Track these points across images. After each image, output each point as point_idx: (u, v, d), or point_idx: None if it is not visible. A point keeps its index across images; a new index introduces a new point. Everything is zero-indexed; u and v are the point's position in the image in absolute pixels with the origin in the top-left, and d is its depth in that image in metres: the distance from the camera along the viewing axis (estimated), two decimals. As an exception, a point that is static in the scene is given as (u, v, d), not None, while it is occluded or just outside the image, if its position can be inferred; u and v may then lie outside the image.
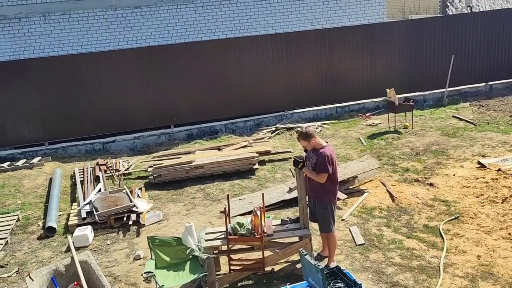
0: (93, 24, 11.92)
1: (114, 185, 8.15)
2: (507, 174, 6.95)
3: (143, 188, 7.94)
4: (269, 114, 11.35)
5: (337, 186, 5.19)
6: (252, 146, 9.27)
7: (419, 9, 23.62)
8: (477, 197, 6.53)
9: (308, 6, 13.47)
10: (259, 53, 11.09)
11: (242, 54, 11.01)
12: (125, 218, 6.70)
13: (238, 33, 12.96)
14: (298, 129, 10.49)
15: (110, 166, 8.83)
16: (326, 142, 5.20)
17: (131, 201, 6.88)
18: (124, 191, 7.32)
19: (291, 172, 8.16)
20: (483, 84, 12.51)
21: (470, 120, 10.17)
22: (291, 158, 8.64)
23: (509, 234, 5.48)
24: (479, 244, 5.42)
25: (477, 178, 7.09)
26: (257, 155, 8.52)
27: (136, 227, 6.59)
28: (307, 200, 5.17)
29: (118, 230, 6.58)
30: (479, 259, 5.17)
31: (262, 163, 8.74)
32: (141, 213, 6.75)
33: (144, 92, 10.64)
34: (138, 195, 7.46)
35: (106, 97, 10.46)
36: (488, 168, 7.34)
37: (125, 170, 8.79)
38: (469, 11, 16.02)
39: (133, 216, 6.70)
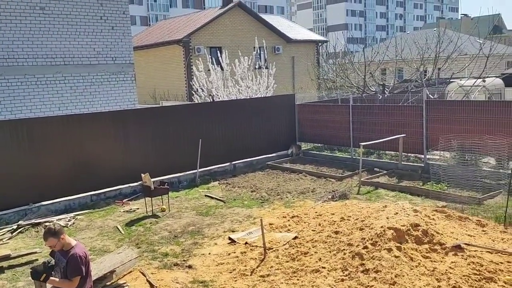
0: None
1: None
2: (252, 246, 7.71)
3: None
4: (8, 209, 9.81)
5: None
6: (-15, 251, 7.72)
7: (169, 96, 25.47)
8: (230, 272, 6.96)
9: (54, 90, 12.85)
10: (-6, 141, 9.69)
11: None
12: None
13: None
14: (47, 224, 9.41)
15: None
16: (76, 241, 4.72)
17: None
18: None
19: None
20: (228, 163, 14.02)
21: (220, 198, 11.10)
22: (37, 260, 7.59)
23: (259, 304, 5.95)
24: (235, 320, 5.68)
25: (229, 254, 7.61)
26: (-8, 262, 7.12)
27: None
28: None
29: None
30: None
31: (-1, 271, 7.33)
32: None
33: None
34: None
35: None
36: (238, 242, 8.02)
37: None
38: (211, 100, 18.14)
39: None
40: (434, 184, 10.80)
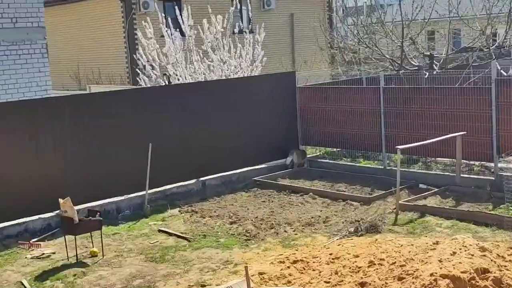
0: None
1: None
2: (234, 308, 7.69)
3: None
4: None
5: None
6: None
7: (100, 77, 25.38)
8: None
9: None
10: None
11: None
12: None
13: None
14: None
15: None
16: None
17: None
18: None
19: None
20: (194, 180, 14.00)
21: (182, 234, 11.07)
22: None
23: None
24: None
25: (197, 321, 7.59)
26: None
27: None
28: None
29: None
30: None
31: None
32: None
33: None
34: None
35: None
36: (210, 303, 8.00)
37: None
38: (167, 82, 18.13)
39: None
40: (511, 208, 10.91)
